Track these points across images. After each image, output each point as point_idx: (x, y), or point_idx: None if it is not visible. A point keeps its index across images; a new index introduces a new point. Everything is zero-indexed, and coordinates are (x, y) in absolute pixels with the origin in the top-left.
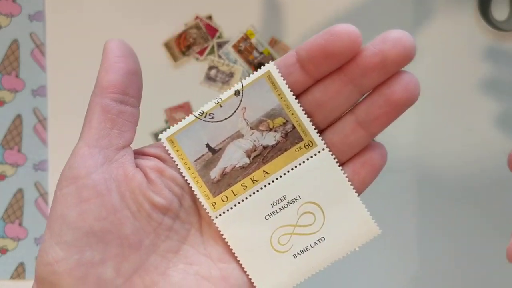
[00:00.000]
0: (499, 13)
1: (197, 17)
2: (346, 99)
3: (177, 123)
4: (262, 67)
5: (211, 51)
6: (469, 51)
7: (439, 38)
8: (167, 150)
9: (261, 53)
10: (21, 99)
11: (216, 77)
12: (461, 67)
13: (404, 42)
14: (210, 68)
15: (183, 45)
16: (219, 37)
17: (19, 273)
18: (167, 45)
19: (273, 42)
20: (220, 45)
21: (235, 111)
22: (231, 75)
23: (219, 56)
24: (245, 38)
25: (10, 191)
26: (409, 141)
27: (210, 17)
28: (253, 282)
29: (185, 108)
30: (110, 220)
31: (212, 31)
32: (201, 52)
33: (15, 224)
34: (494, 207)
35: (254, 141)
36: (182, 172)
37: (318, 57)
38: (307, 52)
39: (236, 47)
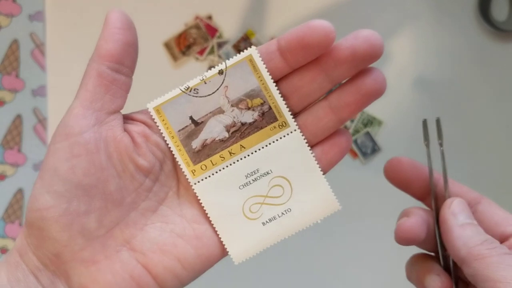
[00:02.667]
0: (499, 13)
1: (197, 17)
2: (319, 86)
3: (164, 95)
4: (245, 50)
5: (211, 51)
6: (469, 52)
7: (439, 38)
8: (154, 118)
9: None
10: (21, 99)
11: None
12: (461, 66)
13: (373, 40)
14: (210, 68)
15: (183, 45)
16: (219, 37)
17: None
18: (167, 45)
19: None
20: (220, 45)
21: (218, 89)
22: None
23: (219, 56)
24: (245, 38)
25: (10, 191)
26: (410, 142)
27: (210, 17)
28: (223, 243)
29: None
30: (97, 177)
31: (212, 31)
32: (201, 52)
33: (15, 224)
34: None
35: (234, 117)
36: (166, 140)
37: (296, 48)
38: (287, 42)
39: (236, 47)
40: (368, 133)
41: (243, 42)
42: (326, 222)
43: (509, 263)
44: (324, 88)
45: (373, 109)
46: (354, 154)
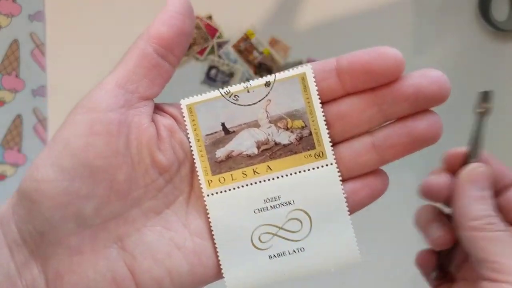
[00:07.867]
0: (499, 13)
1: (197, 17)
2: (369, 119)
3: (201, 94)
4: (299, 66)
5: (211, 51)
6: (469, 51)
7: (440, 38)
8: (184, 116)
9: (261, 53)
10: (21, 99)
11: (216, 77)
12: (461, 66)
13: (441, 83)
14: (210, 68)
15: None
16: (219, 37)
17: None
18: None
19: (273, 42)
20: (220, 45)
21: (259, 100)
22: (231, 75)
23: (219, 56)
24: (245, 38)
25: (10, 191)
26: None
27: (210, 17)
28: (221, 267)
29: None
30: (110, 162)
31: (212, 31)
32: (201, 52)
33: None
34: None
35: (268, 134)
36: (190, 142)
37: (357, 71)
38: (349, 63)
39: (236, 47)
40: None
41: (243, 42)
42: None
43: (503, 239)
44: (374, 122)
45: None
46: None
